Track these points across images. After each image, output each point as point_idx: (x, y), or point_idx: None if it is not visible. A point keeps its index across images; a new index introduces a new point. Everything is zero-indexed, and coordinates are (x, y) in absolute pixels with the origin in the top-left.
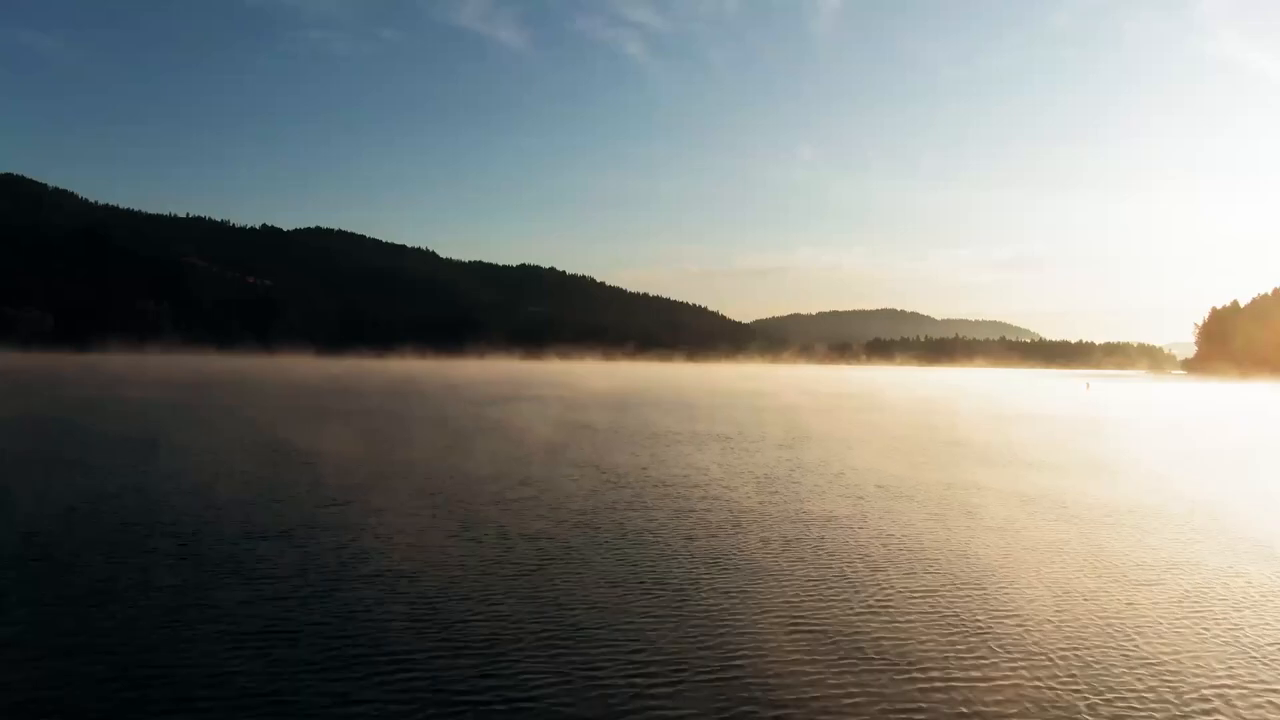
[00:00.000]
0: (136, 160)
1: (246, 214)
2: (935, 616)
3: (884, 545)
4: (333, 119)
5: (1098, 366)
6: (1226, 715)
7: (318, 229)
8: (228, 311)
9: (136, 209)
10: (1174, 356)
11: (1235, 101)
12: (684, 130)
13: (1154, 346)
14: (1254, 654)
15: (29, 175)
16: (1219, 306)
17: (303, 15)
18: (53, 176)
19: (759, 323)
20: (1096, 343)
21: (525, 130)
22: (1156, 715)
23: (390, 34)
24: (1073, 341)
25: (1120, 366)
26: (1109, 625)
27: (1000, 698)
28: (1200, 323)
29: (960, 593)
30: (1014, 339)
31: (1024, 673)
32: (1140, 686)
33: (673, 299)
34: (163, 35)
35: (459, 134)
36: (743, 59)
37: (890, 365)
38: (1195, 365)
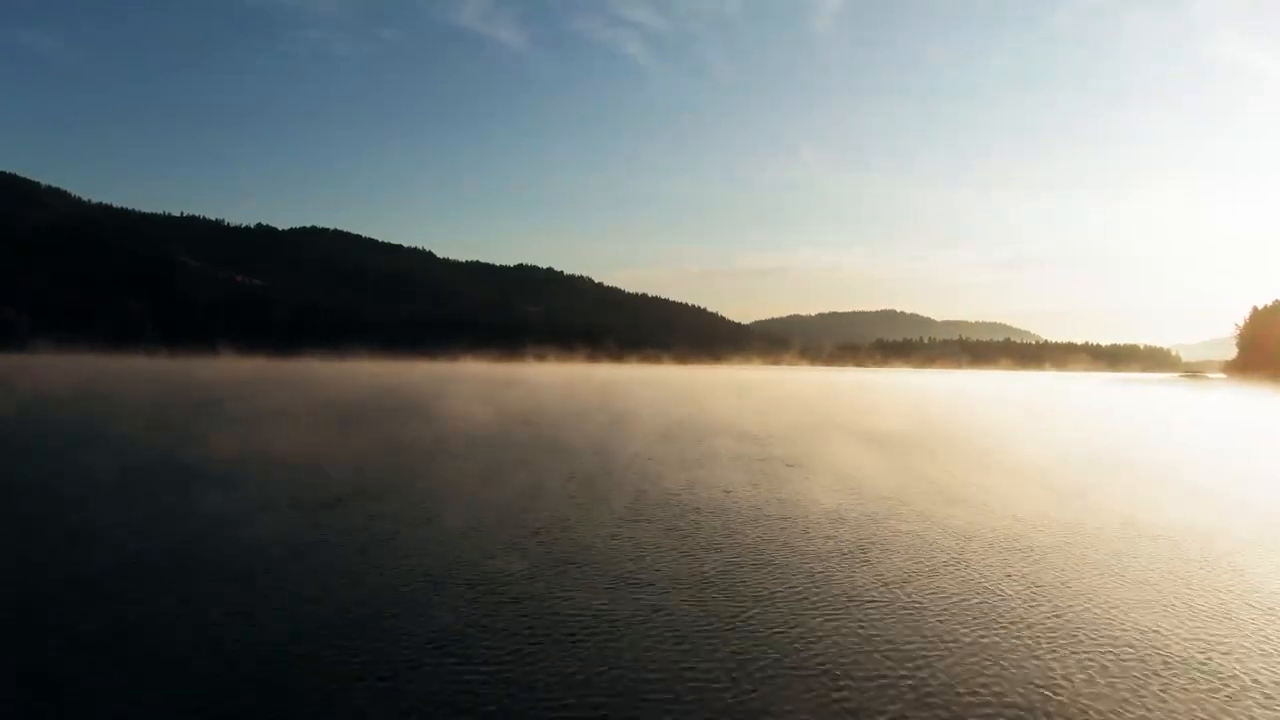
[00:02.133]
0: (135, 160)
1: (245, 214)
2: None
3: None
4: (332, 119)
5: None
6: None
7: (313, 228)
8: (215, 311)
9: (131, 208)
10: (1179, 358)
11: (1235, 101)
12: (683, 130)
13: (1161, 348)
14: None
15: (25, 174)
16: (1261, 306)
17: (302, 15)
18: (50, 176)
19: (758, 323)
20: (1103, 344)
21: (524, 130)
22: None
23: (390, 34)
24: (1078, 343)
25: (1119, 369)
26: None
27: None
28: (1240, 324)
29: None
30: (1017, 340)
31: None
32: None
33: (671, 299)
34: (162, 35)
35: (458, 134)
36: (742, 59)
37: (911, 368)
38: (1237, 369)
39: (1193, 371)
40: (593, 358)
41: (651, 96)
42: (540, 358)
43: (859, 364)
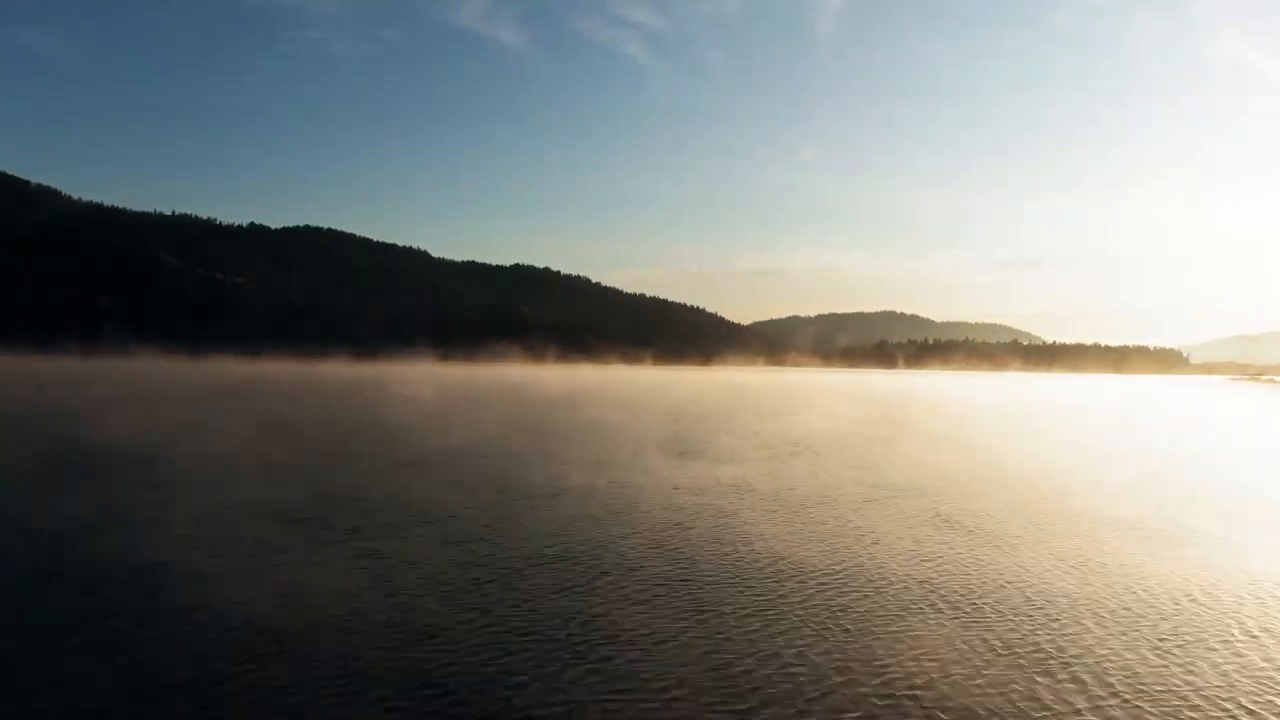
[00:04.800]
0: (135, 160)
1: (241, 214)
2: None
3: None
4: (331, 119)
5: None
6: None
7: (307, 227)
8: (190, 310)
9: (125, 207)
10: (1188, 359)
11: (1235, 101)
12: (683, 130)
13: (1173, 349)
14: None
15: (22, 173)
16: None
17: (302, 15)
18: (49, 176)
19: (758, 324)
20: (1112, 345)
21: (523, 130)
22: None
23: (390, 34)
24: (1087, 344)
25: (1133, 370)
26: None
27: None
28: None
29: None
30: (1024, 342)
31: None
32: None
33: (670, 300)
34: (162, 35)
35: (457, 133)
36: (742, 59)
37: (952, 370)
38: None
39: (1254, 374)
40: (565, 358)
41: (651, 97)
42: (499, 358)
43: (883, 366)
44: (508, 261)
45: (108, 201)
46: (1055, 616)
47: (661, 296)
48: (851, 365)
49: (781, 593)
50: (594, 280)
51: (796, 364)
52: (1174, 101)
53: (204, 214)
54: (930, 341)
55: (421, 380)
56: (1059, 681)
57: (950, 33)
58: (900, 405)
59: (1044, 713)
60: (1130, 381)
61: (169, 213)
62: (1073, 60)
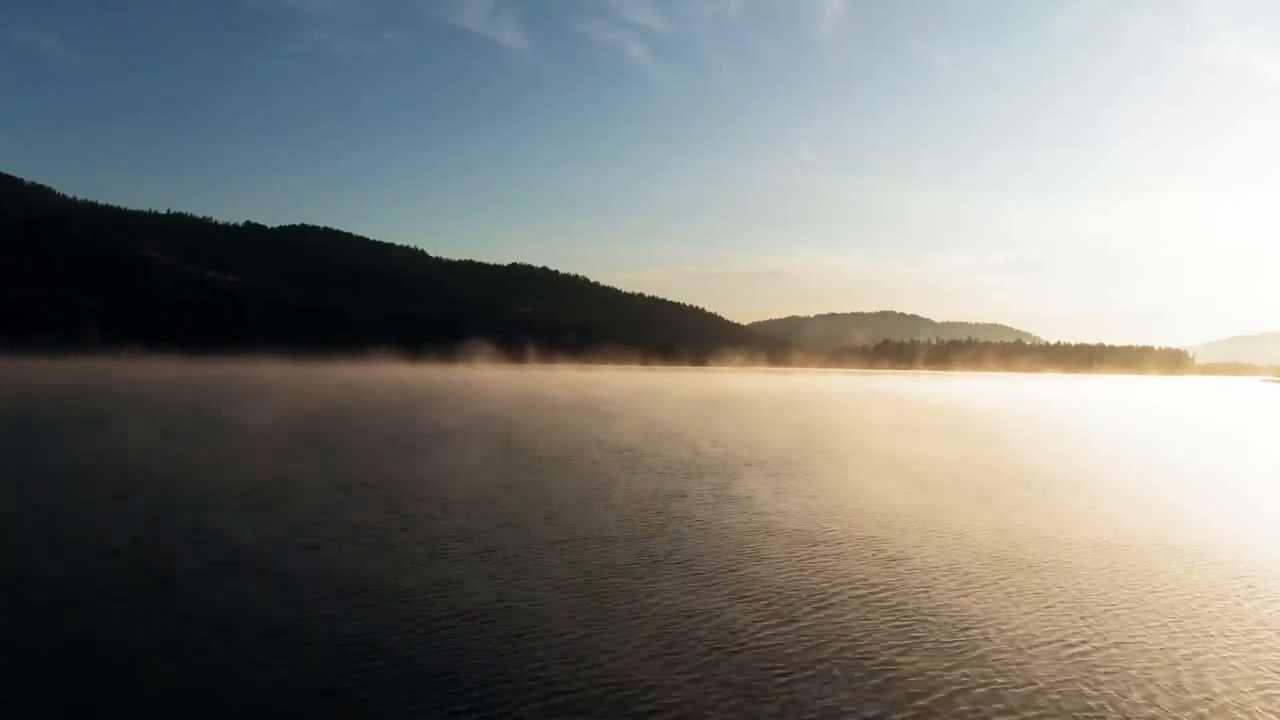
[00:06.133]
0: (134, 160)
1: (240, 214)
2: None
3: None
4: (332, 119)
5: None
6: None
7: (303, 226)
8: (180, 310)
9: (120, 206)
10: (1193, 359)
11: (1235, 104)
12: (684, 131)
13: (1180, 350)
14: None
15: (20, 173)
16: None
17: (303, 16)
18: (46, 175)
19: (756, 325)
20: (1117, 345)
21: (524, 130)
22: None
23: (391, 35)
24: (1092, 344)
25: (1139, 371)
26: None
27: None
28: None
29: None
30: (1027, 342)
31: None
32: None
33: (668, 300)
34: (161, 35)
35: (458, 134)
36: (744, 61)
37: (979, 374)
38: None
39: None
40: (547, 358)
41: (652, 97)
42: (467, 359)
43: (903, 367)
44: (505, 261)
45: (103, 200)
46: None
47: (660, 296)
48: (868, 366)
49: None
50: (592, 280)
51: (803, 365)
52: (1174, 104)
53: (200, 213)
54: (933, 342)
55: (321, 384)
56: None
57: (950, 33)
58: (1017, 435)
59: None
60: (1176, 384)
61: (164, 212)
62: (1072, 61)
